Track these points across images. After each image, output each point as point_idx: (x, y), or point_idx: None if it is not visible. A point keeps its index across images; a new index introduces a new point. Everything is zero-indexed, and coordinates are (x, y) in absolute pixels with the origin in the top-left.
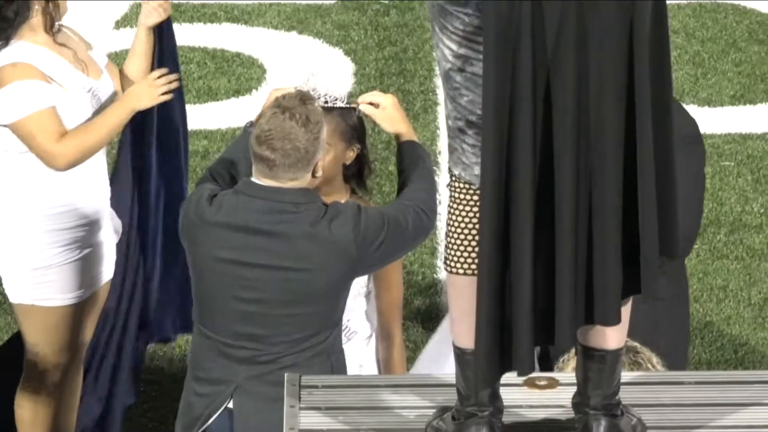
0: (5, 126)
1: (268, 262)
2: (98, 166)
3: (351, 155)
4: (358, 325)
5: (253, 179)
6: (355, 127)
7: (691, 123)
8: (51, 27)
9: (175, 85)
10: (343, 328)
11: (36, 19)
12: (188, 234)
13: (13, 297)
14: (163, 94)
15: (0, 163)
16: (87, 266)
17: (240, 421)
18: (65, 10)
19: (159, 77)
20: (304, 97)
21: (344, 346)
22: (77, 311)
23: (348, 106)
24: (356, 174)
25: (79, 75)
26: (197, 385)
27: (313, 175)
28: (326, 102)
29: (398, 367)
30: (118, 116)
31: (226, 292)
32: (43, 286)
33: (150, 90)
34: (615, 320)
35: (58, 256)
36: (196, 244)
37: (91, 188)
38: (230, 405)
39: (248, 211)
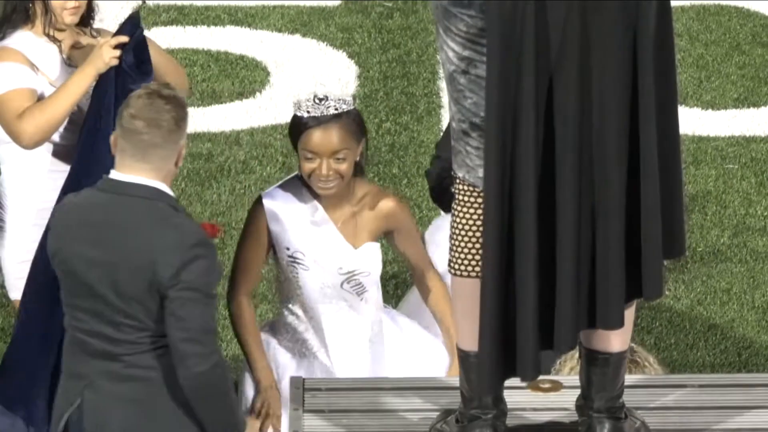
0: None
1: (110, 258)
2: None
3: (362, 149)
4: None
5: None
6: (360, 122)
7: None
8: (49, 27)
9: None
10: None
11: (36, 17)
12: None
13: (10, 294)
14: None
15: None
16: None
17: (88, 417)
18: (77, 9)
19: (110, 42)
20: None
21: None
22: None
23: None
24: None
25: (72, 72)
26: (62, 378)
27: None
28: (337, 109)
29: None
30: (76, 84)
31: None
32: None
33: (100, 52)
34: (618, 324)
35: None
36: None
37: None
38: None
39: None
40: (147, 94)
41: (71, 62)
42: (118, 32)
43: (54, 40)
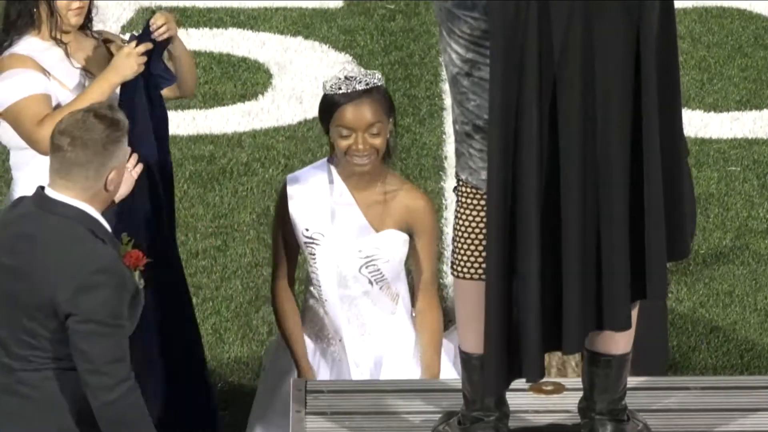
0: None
1: (18, 269)
2: None
3: (392, 128)
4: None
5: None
6: (388, 97)
7: None
8: (55, 29)
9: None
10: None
11: (42, 21)
12: None
13: None
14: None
15: (11, 159)
16: None
17: None
18: (79, 12)
19: (136, 47)
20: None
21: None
22: None
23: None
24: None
25: (83, 75)
26: None
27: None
28: (367, 84)
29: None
30: (98, 91)
31: None
32: None
33: (128, 60)
34: (626, 325)
35: None
36: None
37: None
38: None
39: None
40: (83, 112)
41: (78, 64)
42: (142, 37)
43: (60, 42)
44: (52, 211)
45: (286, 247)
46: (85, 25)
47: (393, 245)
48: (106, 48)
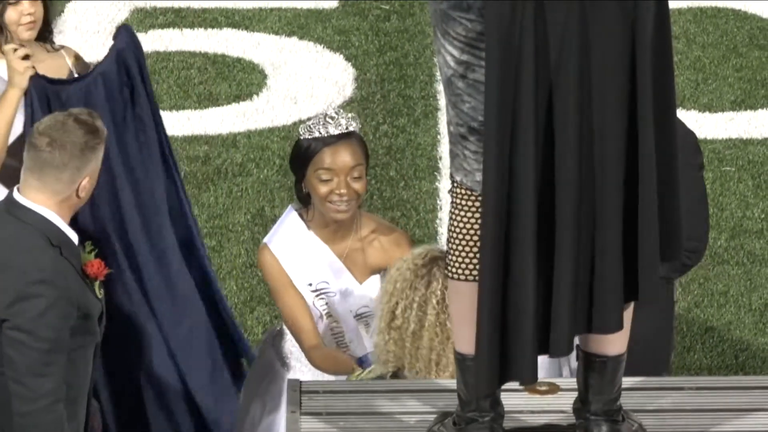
0: None
1: None
2: None
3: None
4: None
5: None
6: (364, 142)
7: (692, 141)
8: (5, 44)
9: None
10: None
11: None
12: None
13: None
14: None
15: None
16: None
17: None
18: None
19: (15, 51)
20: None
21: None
22: None
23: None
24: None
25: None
26: None
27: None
28: (347, 128)
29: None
30: (5, 109)
31: None
32: None
33: (14, 71)
34: (616, 328)
35: None
36: None
37: None
38: None
39: None
40: (64, 115)
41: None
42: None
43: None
44: (16, 216)
45: (301, 308)
46: (44, 38)
47: (377, 292)
48: (67, 63)
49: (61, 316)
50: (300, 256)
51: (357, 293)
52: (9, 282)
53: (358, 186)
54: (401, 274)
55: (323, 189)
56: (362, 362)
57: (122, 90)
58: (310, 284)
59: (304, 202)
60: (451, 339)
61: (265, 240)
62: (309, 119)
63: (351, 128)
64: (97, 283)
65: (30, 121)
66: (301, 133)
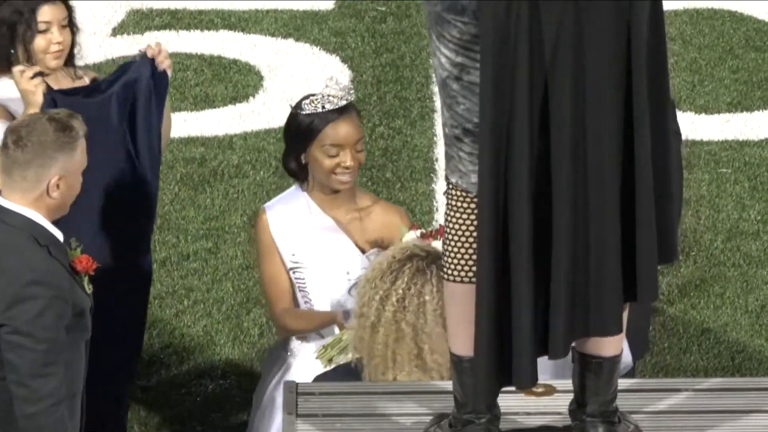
0: None
1: None
2: None
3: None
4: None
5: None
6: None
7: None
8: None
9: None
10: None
11: (16, 65)
12: None
13: None
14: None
15: None
16: None
17: None
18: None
19: (23, 73)
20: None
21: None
22: None
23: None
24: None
25: None
26: None
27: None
28: (348, 100)
29: None
30: None
31: None
32: None
33: (26, 91)
34: (615, 330)
35: None
36: None
37: None
38: None
39: None
40: (40, 114)
41: None
42: (127, 67)
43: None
44: (2, 220)
45: (279, 276)
46: (70, 63)
47: None
48: None
49: (57, 315)
50: (295, 225)
51: (357, 262)
52: (2, 286)
53: (361, 156)
54: (379, 264)
55: (329, 162)
56: (345, 315)
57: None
58: (293, 255)
59: (297, 174)
60: (404, 339)
61: (265, 204)
62: (306, 96)
63: (350, 99)
64: (86, 279)
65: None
66: (301, 108)
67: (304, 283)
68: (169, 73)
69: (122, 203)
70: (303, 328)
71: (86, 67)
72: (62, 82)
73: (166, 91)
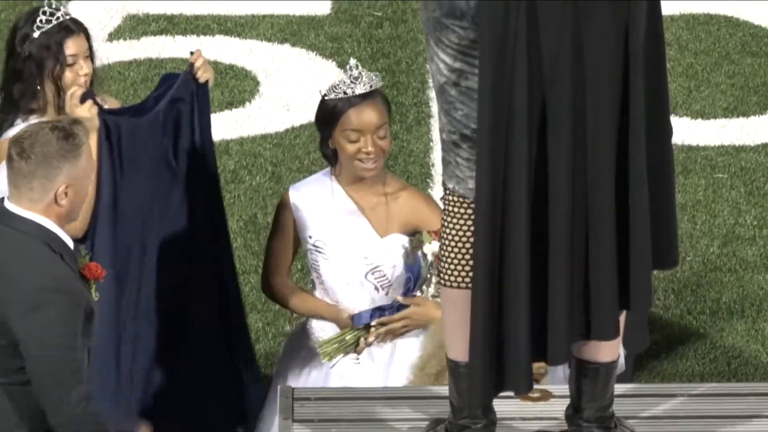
0: None
1: None
2: None
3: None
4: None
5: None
6: (387, 99)
7: None
8: (58, 114)
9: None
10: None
11: (47, 101)
12: None
13: None
14: (84, 102)
15: None
16: None
17: None
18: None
19: (75, 97)
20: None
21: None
22: None
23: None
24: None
25: None
26: None
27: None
28: (371, 86)
29: None
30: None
31: None
32: None
33: (83, 118)
34: (613, 335)
35: None
36: None
37: None
38: None
39: None
40: (44, 123)
41: None
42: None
43: None
44: (9, 225)
45: (283, 253)
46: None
47: (398, 250)
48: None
49: (73, 320)
50: (316, 207)
51: (376, 246)
52: (18, 294)
53: (384, 143)
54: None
55: (351, 148)
56: (355, 318)
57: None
58: (310, 237)
59: (330, 160)
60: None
61: (291, 185)
62: (335, 81)
63: (374, 86)
64: (93, 286)
65: (108, 156)
66: (326, 92)
67: (318, 265)
68: (211, 82)
69: (171, 218)
70: (298, 310)
71: None
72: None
73: (209, 107)
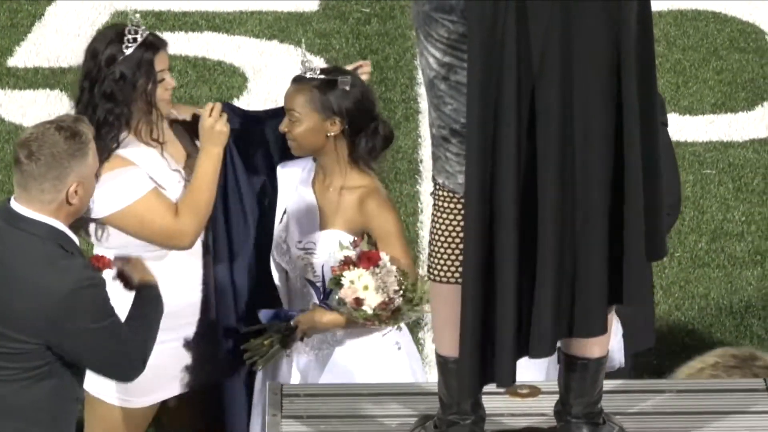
0: (108, 218)
1: None
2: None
3: (332, 128)
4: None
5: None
6: (326, 101)
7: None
8: (157, 128)
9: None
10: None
11: (136, 120)
12: None
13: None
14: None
15: None
16: (162, 372)
17: None
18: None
19: (212, 111)
20: (78, 118)
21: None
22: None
23: (330, 78)
24: (367, 151)
25: (179, 175)
26: None
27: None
28: (304, 72)
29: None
30: (210, 168)
31: None
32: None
33: (214, 131)
34: (599, 332)
35: None
36: None
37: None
38: None
39: None
40: (47, 123)
41: (174, 165)
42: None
43: (156, 142)
44: (20, 228)
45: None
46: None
47: (330, 248)
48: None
49: (106, 304)
50: (289, 187)
51: (312, 233)
52: (46, 302)
53: (291, 126)
54: None
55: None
56: (262, 315)
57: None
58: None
59: None
60: None
61: (281, 163)
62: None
63: (307, 74)
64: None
65: (231, 171)
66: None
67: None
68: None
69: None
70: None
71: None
72: (167, 127)
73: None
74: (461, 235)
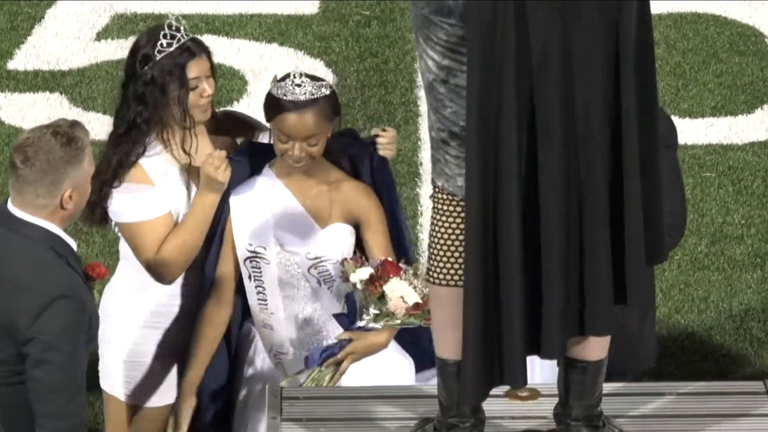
0: (115, 221)
1: None
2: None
3: (334, 127)
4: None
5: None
6: (333, 102)
7: (666, 118)
8: (190, 141)
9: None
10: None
11: (169, 125)
12: None
13: (102, 382)
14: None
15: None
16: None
17: None
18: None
19: (214, 155)
20: (74, 123)
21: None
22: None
23: (322, 83)
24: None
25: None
26: None
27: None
28: (313, 95)
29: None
30: (203, 212)
31: None
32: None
33: (214, 178)
34: (607, 330)
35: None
36: None
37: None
38: None
39: None
40: (45, 127)
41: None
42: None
43: (186, 153)
44: (16, 231)
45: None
46: (212, 114)
47: (340, 241)
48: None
49: (78, 327)
50: (256, 211)
51: (317, 239)
52: (27, 302)
53: (313, 150)
54: None
55: (280, 147)
56: (308, 361)
57: None
58: (250, 244)
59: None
60: None
61: (233, 190)
62: (287, 74)
63: (318, 95)
64: (95, 288)
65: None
66: (276, 82)
67: (260, 272)
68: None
69: None
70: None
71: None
72: (202, 132)
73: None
74: (461, 238)
